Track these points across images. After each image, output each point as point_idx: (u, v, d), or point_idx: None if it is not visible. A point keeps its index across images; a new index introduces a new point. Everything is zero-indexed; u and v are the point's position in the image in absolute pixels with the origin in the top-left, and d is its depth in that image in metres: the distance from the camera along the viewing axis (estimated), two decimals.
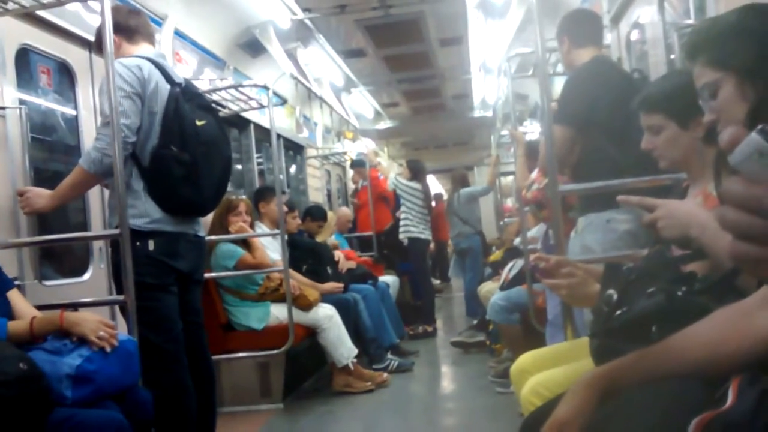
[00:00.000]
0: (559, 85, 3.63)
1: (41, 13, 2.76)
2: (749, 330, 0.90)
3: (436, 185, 15.38)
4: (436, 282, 9.50)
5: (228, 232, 3.82)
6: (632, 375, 0.98)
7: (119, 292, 2.32)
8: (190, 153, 2.33)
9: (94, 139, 2.34)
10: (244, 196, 4.35)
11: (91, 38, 3.06)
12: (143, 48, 2.46)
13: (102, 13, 2.31)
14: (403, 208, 6.24)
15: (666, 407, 0.88)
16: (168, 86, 2.36)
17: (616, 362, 1.01)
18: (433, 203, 10.37)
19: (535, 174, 3.28)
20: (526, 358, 1.82)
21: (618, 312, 1.19)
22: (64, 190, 2.35)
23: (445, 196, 8.96)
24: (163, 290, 2.35)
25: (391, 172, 7.32)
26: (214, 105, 2.58)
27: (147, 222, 2.31)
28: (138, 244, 2.29)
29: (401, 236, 6.21)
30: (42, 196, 2.34)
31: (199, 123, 2.37)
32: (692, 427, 0.80)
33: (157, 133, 2.31)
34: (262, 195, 4.57)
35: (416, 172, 6.29)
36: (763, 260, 0.51)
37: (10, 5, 2.54)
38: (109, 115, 2.23)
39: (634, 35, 3.63)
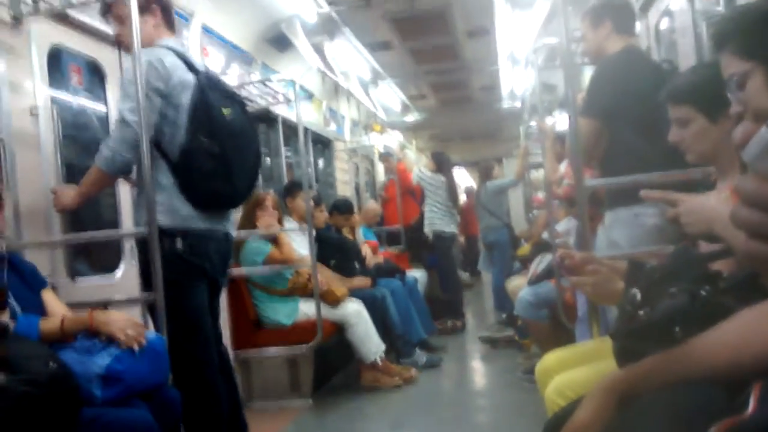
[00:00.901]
0: (588, 75, 3.58)
1: (71, 13, 2.80)
2: None
3: (467, 179, 15.31)
4: (465, 276, 9.47)
5: (255, 227, 3.85)
6: (652, 379, 0.96)
7: (147, 289, 2.33)
8: (219, 144, 2.27)
9: (107, 138, 2.35)
10: (271, 191, 4.37)
11: None
12: (166, 37, 2.42)
13: (130, 12, 2.33)
14: (427, 201, 6.20)
15: (685, 413, 0.86)
16: (192, 76, 2.32)
17: (635, 366, 0.99)
18: (464, 197, 10.38)
19: (564, 167, 3.23)
20: (550, 357, 1.80)
21: (641, 312, 1.16)
22: (85, 187, 2.35)
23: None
24: (192, 290, 2.33)
25: (415, 166, 7.29)
26: (236, 93, 2.54)
27: (175, 220, 2.29)
28: (166, 242, 2.27)
29: (426, 230, 6.18)
30: (68, 194, 2.36)
31: (225, 113, 2.32)
32: None
33: (184, 126, 2.26)
34: (289, 190, 4.59)
35: (440, 165, 6.24)
36: None
37: (42, 6, 2.58)
38: (121, 112, 2.24)
39: (664, 24, 3.55)
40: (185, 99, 2.28)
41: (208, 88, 2.31)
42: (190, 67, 2.35)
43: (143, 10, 2.35)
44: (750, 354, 0.89)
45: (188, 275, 2.32)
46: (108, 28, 3.07)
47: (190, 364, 2.29)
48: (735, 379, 0.88)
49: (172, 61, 2.31)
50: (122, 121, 2.25)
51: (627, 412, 0.94)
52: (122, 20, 2.35)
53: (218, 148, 2.26)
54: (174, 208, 2.29)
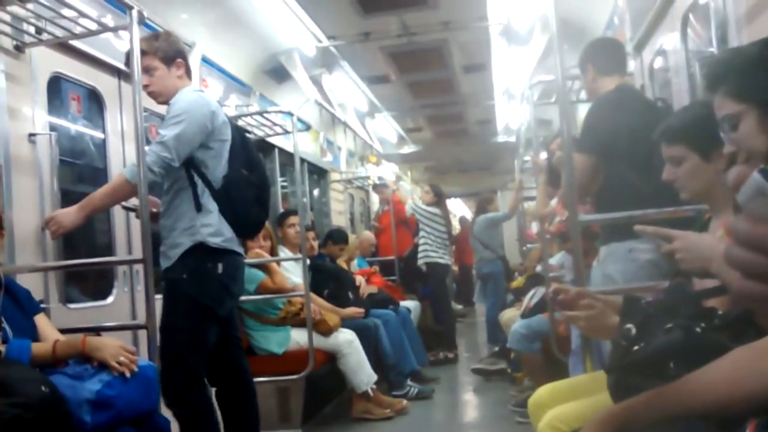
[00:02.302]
0: (582, 112, 3.63)
1: (72, 42, 2.83)
2: (766, 371, 0.88)
3: (462, 209, 15.35)
4: (459, 307, 9.44)
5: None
6: (647, 415, 0.96)
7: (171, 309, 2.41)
8: (257, 176, 2.56)
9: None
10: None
11: (121, 66, 3.15)
12: (187, 85, 2.55)
13: (131, 42, 2.38)
14: (421, 233, 6.23)
15: None
16: (226, 115, 2.55)
17: (630, 401, 0.99)
18: (458, 227, 10.41)
19: (554, 204, 3.26)
20: (544, 391, 1.79)
21: (635, 347, 1.17)
22: (99, 199, 2.37)
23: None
24: (214, 316, 2.43)
25: (410, 198, 7.32)
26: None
27: (222, 240, 2.43)
28: (209, 264, 2.40)
29: (419, 261, 6.20)
30: (68, 213, 2.36)
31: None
32: None
33: (226, 159, 2.47)
34: (279, 219, 4.60)
35: (439, 197, 6.29)
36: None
37: (44, 36, 2.62)
38: (163, 135, 2.34)
39: (658, 62, 3.61)
40: (227, 135, 2.49)
41: (239, 128, 2.62)
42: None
43: (169, 62, 2.50)
44: (744, 391, 0.89)
45: (218, 301, 2.43)
46: (108, 57, 3.12)
47: (189, 385, 2.39)
48: (729, 416, 0.89)
49: (216, 105, 2.51)
50: (162, 144, 2.33)
51: None
52: (149, 71, 2.47)
53: (257, 178, 2.55)
54: (220, 231, 2.43)
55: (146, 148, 2.34)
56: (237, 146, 2.51)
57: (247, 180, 2.51)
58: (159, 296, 2.37)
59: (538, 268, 4.70)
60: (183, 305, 2.39)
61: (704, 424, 0.90)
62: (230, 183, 2.46)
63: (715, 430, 0.88)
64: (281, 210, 5.26)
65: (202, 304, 2.39)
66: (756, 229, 0.51)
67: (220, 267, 2.42)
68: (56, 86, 2.90)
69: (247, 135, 2.77)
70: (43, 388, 1.59)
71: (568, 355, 3.22)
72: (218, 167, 2.45)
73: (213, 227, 2.41)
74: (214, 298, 2.42)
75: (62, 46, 2.83)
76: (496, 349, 5.42)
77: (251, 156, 2.58)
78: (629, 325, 1.24)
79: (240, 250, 2.54)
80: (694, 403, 0.93)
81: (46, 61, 2.76)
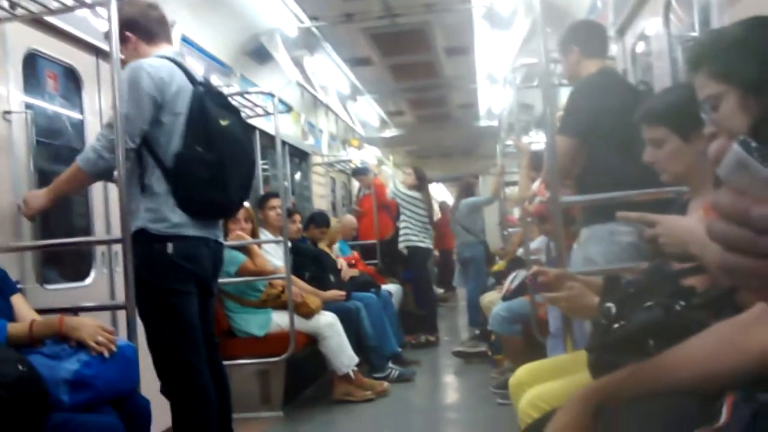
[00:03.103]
0: (564, 95, 3.64)
1: (49, 18, 2.77)
2: (744, 346, 0.89)
3: (443, 194, 15.36)
4: (440, 291, 9.49)
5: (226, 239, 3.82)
6: (627, 389, 0.97)
7: (137, 294, 2.29)
8: (215, 153, 2.26)
9: (94, 139, 2.33)
10: (244, 203, 4.35)
11: (99, 44, 3.10)
12: (163, 48, 2.40)
13: (109, 19, 2.34)
14: (402, 217, 6.23)
15: (659, 423, 0.88)
16: (191, 86, 2.31)
17: (611, 376, 1.00)
18: (439, 212, 10.43)
19: (536, 186, 3.27)
20: (524, 371, 1.81)
21: (616, 325, 1.18)
22: (60, 184, 2.33)
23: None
24: (183, 295, 2.30)
25: (390, 182, 7.31)
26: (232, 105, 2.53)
27: (166, 227, 2.25)
28: (156, 246, 2.25)
29: (401, 245, 6.21)
30: (38, 195, 2.33)
31: (222, 123, 2.31)
32: None
33: (180, 134, 2.25)
34: (260, 202, 4.57)
35: (421, 180, 6.29)
36: (750, 272, 0.51)
37: (19, 11, 2.55)
38: (112, 118, 2.23)
39: (640, 47, 3.63)
40: (183, 107, 2.27)
41: (207, 97, 2.31)
42: (189, 76, 2.34)
43: (122, 41, 2.37)
44: (723, 366, 0.90)
45: (179, 280, 2.29)
46: (85, 35, 3.06)
47: (180, 369, 2.28)
48: (708, 390, 0.90)
49: (170, 70, 2.30)
50: (110, 126, 2.24)
51: (602, 423, 0.95)
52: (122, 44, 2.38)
53: (214, 156, 2.26)
54: (164, 216, 2.26)
55: (92, 143, 2.28)
56: (194, 120, 2.26)
57: (201, 158, 2.24)
58: None
59: (519, 252, 4.73)
60: (148, 293, 2.29)
61: (684, 398, 0.91)
62: (181, 162, 2.24)
63: (694, 404, 0.89)
64: (262, 193, 5.23)
65: (162, 287, 2.27)
66: (737, 201, 0.51)
67: (169, 247, 2.25)
68: (32, 64, 2.84)
69: (225, 106, 2.41)
70: (19, 367, 1.57)
71: (547, 337, 3.25)
72: (170, 144, 2.25)
73: (155, 212, 2.25)
74: (174, 277, 2.27)
75: (38, 23, 2.77)
76: (477, 332, 5.47)
77: (210, 131, 2.27)
78: (609, 304, 1.25)
79: (199, 233, 2.32)
80: (674, 377, 0.94)
81: (21, 38, 2.70)
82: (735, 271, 0.52)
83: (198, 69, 4.30)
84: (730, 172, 0.52)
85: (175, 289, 2.29)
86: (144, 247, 2.27)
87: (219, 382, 2.46)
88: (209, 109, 2.29)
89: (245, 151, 2.44)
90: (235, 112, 2.47)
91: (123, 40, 2.39)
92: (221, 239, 2.51)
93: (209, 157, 2.26)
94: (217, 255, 2.47)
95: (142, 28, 2.40)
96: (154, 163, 2.27)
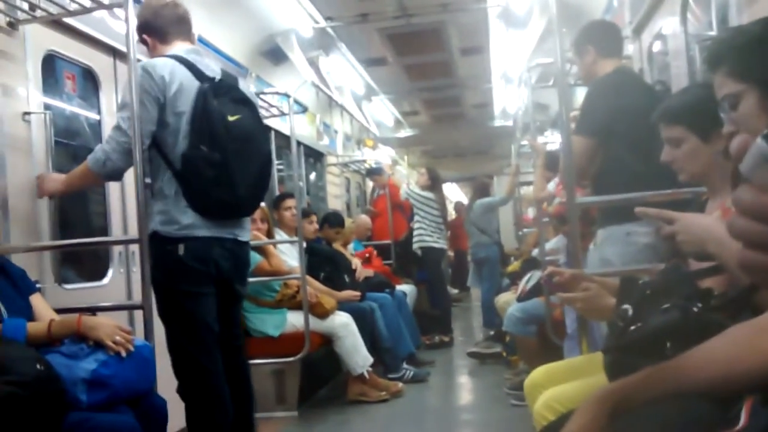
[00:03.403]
0: (580, 95, 3.62)
1: (67, 20, 2.80)
2: (763, 348, 0.88)
3: (458, 194, 15.33)
4: (454, 291, 9.47)
5: None
6: (644, 392, 0.96)
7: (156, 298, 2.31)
8: (220, 152, 2.22)
9: (104, 140, 2.35)
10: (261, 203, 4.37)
11: (116, 45, 3.12)
12: (176, 46, 2.39)
13: (126, 20, 2.35)
14: (416, 218, 6.23)
15: (677, 426, 0.87)
16: (197, 83, 2.28)
17: (628, 378, 0.99)
18: (454, 213, 10.41)
19: (553, 186, 3.25)
20: (539, 372, 1.80)
21: (632, 327, 1.17)
22: (72, 179, 2.37)
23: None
24: (196, 297, 2.29)
25: (404, 183, 7.31)
26: (249, 99, 2.43)
27: (176, 229, 2.25)
28: (168, 249, 2.25)
29: (415, 246, 6.20)
30: (55, 180, 2.36)
31: (231, 118, 2.26)
32: None
33: (185, 134, 2.23)
34: (276, 202, 4.59)
35: (435, 180, 6.29)
36: None
37: (38, 12, 2.58)
38: (118, 119, 2.25)
39: (657, 46, 3.60)
40: (186, 106, 2.25)
41: (213, 95, 2.27)
42: (198, 74, 2.31)
43: (144, 44, 2.42)
44: (741, 369, 0.89)
45: (191, 281, 2.27)
46: (103, 36, 3.09)
47: (194, 371, 2.29)
48: (726, 393, 0.89)
49: (172, 69, 2.28)
50: (118, 128, 2.24)
51: (619, 425, 0.95)
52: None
53: (219, 156, 2.22)
54: (174, 218, 2.25)
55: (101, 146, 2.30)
56: (197, 119, 2.22)
57: (206, 158, 2.21)
58: None
59: (534, 253, 4.71)
60: (163, 297, 2.31)
61: (701, 401, 0.90)
62: (187, 162, 2.22)
63: (712, 407, 0.88)
64: (277, 193, 5.24)
65: (176, 290, 2.27)
66: (760, 197, 0.50)
67: (180, 249, 2.24)
68: (50, 65, 2.87)
69: (238, 100, 2.35)
70: (38, 366, 1.58)
71: (563, 338, 3.24)
72: (177, 145, 2.24)
73: (166, 214, 2.25)
74: (187, 280, 2.26)
75: (56, 24, 2.80)
76: (492, 332, 5.45)
77: (215, 129, 2.22)
78: (626, 306, 1.24)
79: (213, 233, 2.29)
80: (692, 380, 0.93)
81: (40, 39, 2.73)
82: (755, 267, 0.52)
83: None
84: (753, 167, 0.52)
85: (188, 290, 2.28)
86: (157, 249, 2.28)
87: (241, 384, 2.46)
88: (213, 106, 2.24)
89: (257, 147, 2.37)
90: (249, 105, 2.40)
91: (144, 42, 2.42)
92: (243, 238, 2.43)
93: (214, 156, 2.22)
94: (238, 255, 2.42)
95: (155, 29, 2.41)
96: (165, 165, 2.28)
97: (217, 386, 2.30)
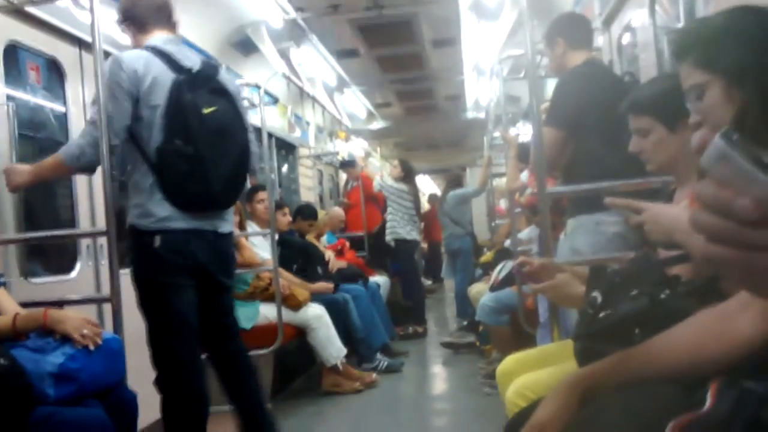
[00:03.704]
0: (551, 87, 3.64)
1: (30, 9, 2.74)
2: (729, 333, 0.90)
3: (431, 186, 15.37)
4: (428, 282, 9.51)
5: None
6: (613, 377, 0.98)
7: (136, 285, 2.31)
8: (194, 145, 2.20)
9: (78, 134, 2.31)
10: None
11: (81, 35, 3.06)
12: (155, 36, 2.35)
13: (91, 10, 2.31)
14: (389, 210, 6.24)
15: (644, 410, 0.88)
16: (172, 75, 2.25)
17: (597, 364, 1.00)
18: (427, 205, 10.44)
19: (526, 177, 3.28)
20: (511, 360, 1.82)
21: (602, 314, 1.19)
22: (43, 170, 2.31)
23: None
24: (173, 289, 2.27)
25: (377, 175, 7.31)
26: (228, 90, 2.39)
27: (152, 222, 2.23)
28: (144, 241, 2.25)
29: (387, 238, 6.22)
30: (21, 172, 2.30)
31: (206, 111, 2.23)
32: (669, 430, 0.80)
33: (160, 128, 2.21)
34: (248, 194, 4.55)
35: (408, 173, 6.29)
36: (733, 263, 0.51)
37: None
38: (95, 115, 2.20)
39: (626, 38, 3.64)
40: (160, 99, 2.22)
41: (189, 87, 2.24)
42: (174, 66, 2.28)
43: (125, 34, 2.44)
44: (707, 353, 0.91)
45: (168, 274, 2.26)
46: (68, 26, 3.02)
47: (170, 363, 2.28)
48: (693, 378, 0.90)
49: (146, 61, 2.25)
50: (93, 123, 2.22)
51: (588, 410, 0.96)
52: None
53: (192, 149, 2.20)
54: (150, 211, 2.24)
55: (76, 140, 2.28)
56: (171, 113, 2.20)
57: (180, 152, 2.19)
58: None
59: (507, 243, 4.75)
60: (140, 289, 2.30)
61: (669, 385, 0.92)
62: (161, 156, 2.21)
63: (679, 391, 0.90)
64: (249, 185, 5.19)
65: (153, 282, 2.27)
66: (720, 192, 0.51)
67: (157, 240, 2.23)
68: (13, 55, 2.81)
69: (215, 91, 2.31)
70: (1, 360, 1.55)
71: (536, 327, 3.27)
72: (152, 138, 2.22)
73: (141, 208, 2.24)
74: (163, 272, 2.25)
75: (19, 13, 2.73)
76: (465, 322, 5.49)
77: (189, 122, 2.20)
78: (595, 294, 1.26)
79: (190, 225, 2.27)
80: (659, 364, 0.95)
81: (2, 29, 2.67)
82: (718, 261, 0.52)
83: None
84: (712, 163, 0.53)
85: (164, 282, 2.27)
86: (134, 242, 2.29)
87: (241, 371, 2.48)
88: (187, 99, 2.22)
89: (233, 138, 2.34)
90: (227, 96, 2.36)
91: (125, 32, 2.42)
92: (223, 230, 2.41)
93: (188, 150, 2.20)
94: (218, 247, 2.39)
95: (133, 18, 2.39)
96: (141, 159, 2.26)
97: (193, 378, 2.30)
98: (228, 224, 2.45)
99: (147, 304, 2.30)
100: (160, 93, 2.22)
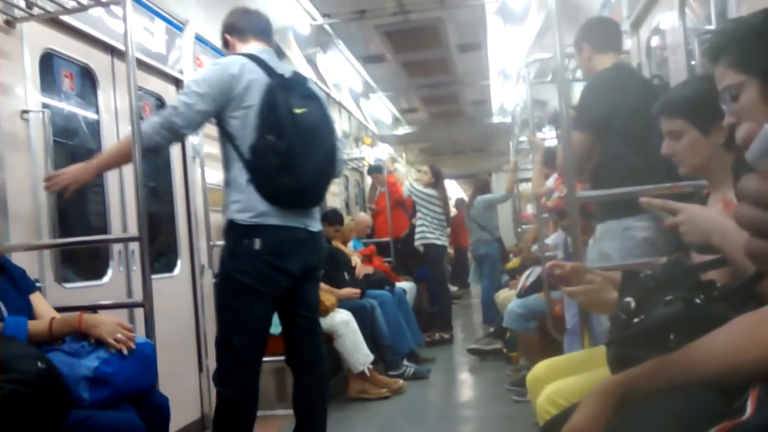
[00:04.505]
0: (578, 91, 3.61)
1: (65, 18, 2.80)
2: (767, 338, 0.88)
3: (457, 191, 15.32)
4: (454, 288, 9.48)
5: None
6: (649, 383, 0.96)
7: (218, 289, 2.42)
8: (287, 141, 2.33)
9: (151, 118, 2.43)
10: None
11: (113, 43, 3.12)
12: (251, 45, 2.54)
13: (124, 19, 2.36)
14: (418, 215, 6.23)
15: (683, 417, 0.87)
16: (267, 79, 2.40)
17: (632, 370, 0.99)
18: (455, 210, 10.41)
19: (552, 181, 3.25)
20: (541, 367, 1.80)
21: (635, 320, 1.17)
22: (108, 158, 2.48)
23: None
24: (259, 295, 2.37)
25: (406, 180, 7.31)
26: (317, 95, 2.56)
27: (251, 216, 2.34)
28: (245, 241, 2.34)
29: (416, 243, 6.21)
30: (85, 170, 2.40)
31: (297, 111, 2.37)
32: None
33: (254, 126, 2.34)
34: None
35: (437, 178, 6.29)
36: None
37: (35, 11, 2.58)
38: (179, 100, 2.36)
39: (655, 41, 3.59)
40: (254, 99, 2.36)
41: (281, 90, 2.39)
42: (269, 71, 2.43)
43: (224, 45, 2.65)
44: (746, 360, 0.89)
45: (260, 280, 2.36)
46: (101, 34, 3.08)
47: (233, 366, 2.36)
48: (731, 384, 0.89)
49: (242, 65, 2.39)
50: (174, 108, 2.35)
51: (624, 417, 0.95)
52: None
53: (285, 144, 2.32)
54: (249, 206, 2.35)
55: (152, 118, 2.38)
56: (264, 111, 2.35)
57: (272, 147, 2.32)
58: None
59: (534, 249, 4.71)
60: (226, 285, 2.41)
61: (706, 392, 0.90)
62: (255, 152, 2.35)
63: (717, 398, 0.88)
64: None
65: (242, 283, 2.35)
66: (766, 185, 0.50)
67: (257, 243, 2.34)
68: (48, 63, 2.86)
69: (305, 95, 2.47)
70: (39, 364, 1.58)
71: (563, 334, 3.24)
72: (246, 137, 2.36)
73: (241, 203, 2.36)
74: (255, 276, 2.35)
75: (54, 22, 2.79)
76: (492, 329, 5.45)
77: (281, 120, 2.34)
78: (629, 299, 1.24)
79: (285, 222, 2.38)
80: (697, 371, 0.93)
81: (38, 37, 2.72)
82: (762, 256, 0.51)
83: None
84: (759, 155, 0.51)
85: (252, 286, 2.35)
86: (233, 239, 2.38)
87: (319, 372, 2.61)
88: (280, 99, 2.36)
89: (321, 139, 2.46)
90: (316, 100, 2.51)
91: (225, 43, 2.63)
92: (313, 228, 2.50)
93: (280, 145, 2.32)
94: (309, 245, 2.48)
95: (238, 29, 2.60)
96: (237, 156, 2.38)
97: (252, 379, 2.40)
98: (317, 222, 2.56)
99: (227, 300, 2.40)
100: (254, 94, 2.37)
